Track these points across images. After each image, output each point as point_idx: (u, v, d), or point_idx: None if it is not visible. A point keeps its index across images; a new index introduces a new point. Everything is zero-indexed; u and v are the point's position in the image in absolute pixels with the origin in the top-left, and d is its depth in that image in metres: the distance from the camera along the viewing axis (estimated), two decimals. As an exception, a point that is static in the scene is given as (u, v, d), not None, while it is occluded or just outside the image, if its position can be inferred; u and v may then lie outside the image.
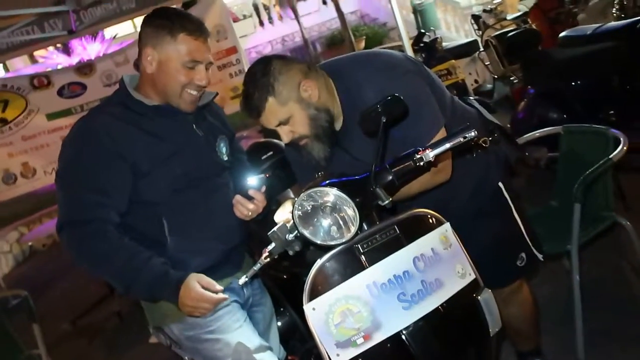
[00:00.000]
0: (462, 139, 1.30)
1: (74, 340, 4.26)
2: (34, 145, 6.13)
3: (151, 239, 1.62)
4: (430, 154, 1.33)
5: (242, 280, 1.50)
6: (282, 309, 2.12)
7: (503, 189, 1.84)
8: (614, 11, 4.93)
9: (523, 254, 1.87)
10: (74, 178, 1.59)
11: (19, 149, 6.08)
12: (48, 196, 8.19)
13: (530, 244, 1.89)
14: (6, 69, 15.67)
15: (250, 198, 1.71)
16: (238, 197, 1.71)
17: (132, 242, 1.56)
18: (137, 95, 1.66)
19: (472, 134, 1.30)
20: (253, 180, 1.73)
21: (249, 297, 1.83)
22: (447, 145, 1.32)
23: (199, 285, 1.54)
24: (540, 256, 1.91)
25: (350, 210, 1.32)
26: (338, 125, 1.66)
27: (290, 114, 1.57)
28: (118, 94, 1.69)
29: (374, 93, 1.51)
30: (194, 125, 1.72)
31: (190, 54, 1.61)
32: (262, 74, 1.54)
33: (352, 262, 1.32)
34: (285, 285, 2.09)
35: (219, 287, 1.59)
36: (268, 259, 1.43)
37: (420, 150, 1.34)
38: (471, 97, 1.96)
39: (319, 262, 1.32)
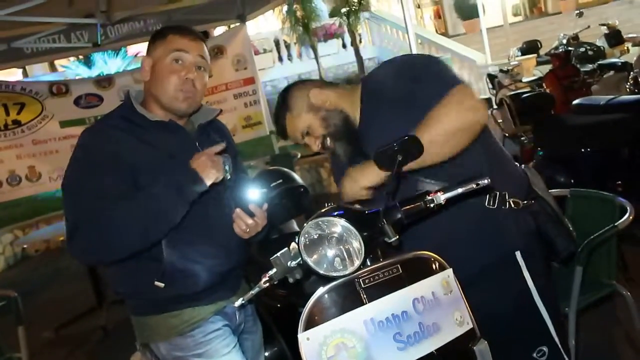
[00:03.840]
0: (474, 186, 1.32)
1: (55, 349, 4.20)
2: (43, 150, 6.14)
3: (148, 255, 1.61)
4: (441, 197, 1.34)
5: (239, 302, 1.47)
6: (272, 339, 2.09)
7: (520, 261, 1.65)
8: (627, 85, 5.01)
9: (544, 348, 1.65)
10: (80, 187, 1.59)
11: (28, 152, 6.10)
12: (48, 202, 8.22)
13: (557, 341, 1.67)
14: (25, 74, 15.90)
15: (251, 214, 1.66)
16: (238, 210, 1.66)
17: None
18: (141, 109, 1.67)
19: (485, 181, 1.31)
20: (255, 194, 1.66)
21: (240, 323, 1.80)
22: (459, 190, 1.33)
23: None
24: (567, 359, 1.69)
25: (357, 243, 1.31)
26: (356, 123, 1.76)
27: (307, 123, 1.73)
28: (122, 108, 1.71)
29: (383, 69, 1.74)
30: (197, 143, 1.71)
31: (176, 47, 1.67)
32: (282, 99, 1.79)
33: (351, 296, 1.31)
34: (279, 314, 2.06)
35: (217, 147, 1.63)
36: (267, 284, 1.41)
37: (431, 193, 1.36)
38: (524, 165, 1.87)
39: (318, 292, 1.30)
